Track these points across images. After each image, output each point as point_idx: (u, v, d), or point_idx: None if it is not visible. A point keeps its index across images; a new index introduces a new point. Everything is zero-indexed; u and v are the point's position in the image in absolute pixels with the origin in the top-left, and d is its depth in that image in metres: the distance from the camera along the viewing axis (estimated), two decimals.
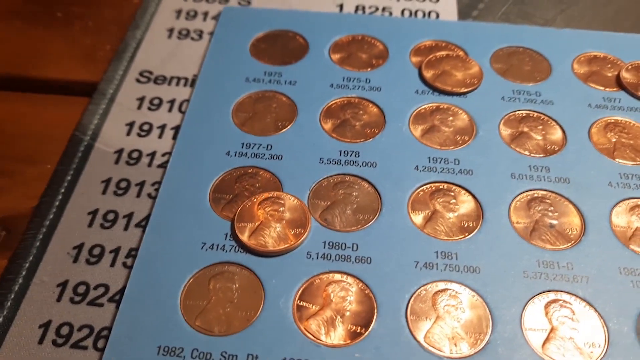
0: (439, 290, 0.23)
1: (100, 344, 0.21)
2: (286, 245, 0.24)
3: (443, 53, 0.32)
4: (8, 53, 0.33)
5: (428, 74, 0.31)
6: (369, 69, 0.32)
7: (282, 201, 0.25)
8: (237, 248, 0.24)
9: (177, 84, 0.31)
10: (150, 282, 0.23)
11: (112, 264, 0.24)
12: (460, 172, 0.27)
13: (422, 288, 0.23)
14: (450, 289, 0.23)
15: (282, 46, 0.33)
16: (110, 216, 0.25)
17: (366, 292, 0.23)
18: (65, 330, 0.22)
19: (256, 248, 0.24)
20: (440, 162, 0.27)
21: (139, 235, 0.24)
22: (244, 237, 0.24)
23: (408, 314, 0.22)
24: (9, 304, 0.22)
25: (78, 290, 0.23)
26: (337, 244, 0.24)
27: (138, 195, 0.26)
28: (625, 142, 0.29)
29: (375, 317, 0.22)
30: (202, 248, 0.24)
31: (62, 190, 0.26)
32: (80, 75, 0.32)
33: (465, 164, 0.27)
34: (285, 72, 0.31)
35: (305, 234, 0.24)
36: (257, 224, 0.24)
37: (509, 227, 0.25)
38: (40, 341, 0.21)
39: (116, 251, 0.24)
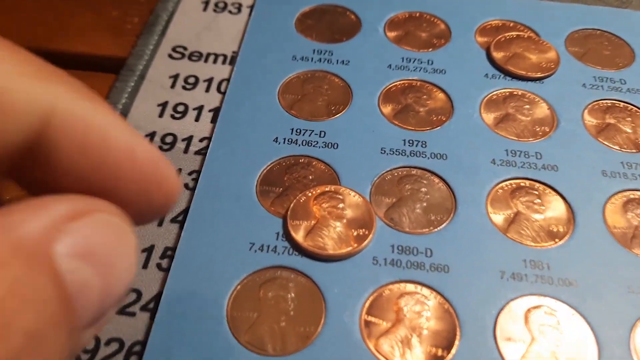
0: (532, 307, 0.19)
1: None
2: (349, 249, 0.20)
3: (513, 34, 0.29)
4: (31, 26, 0.29)
5: (498, 55, 0.27)
6: (430, 49, 0.28)
7: (340, 196, 0.22)
8: (290, 250, 0.20)
9: (215, 61, 0.27)
10: (190, 288, 0.19)
11: (145, 266, 0.20)
12: (543, 167, 0.23)
13: (511, 303, 0.19)
14: (544, 305, 0.20)
15: (330, 22, 0.29)
16: None
17: (445, 306, 0.19)
18: (90, 344, 0.18)
19: (314, 251, 0.20)
20: (519, 156, 0.24)
21: (176, 232, 0.21)
22: (299, 237, 0.20)
23: (497, 334, 0.19)
24: None
25: None
26: (407, 248, 0.21)
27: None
28: None
29: (458, 337, 0.19)
30: (250, 249, 0.20)
31: None
32: (106, 49, 0.28)
33: (549, 158, 0.24)
34: (336, 50, 0.27)
35: (370, 235, 0.21)
36: (313, 222, 0.21)
37: (606, 233, 0.21)
38: None
39: (149, 250, 0.20)
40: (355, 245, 0.20)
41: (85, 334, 0.10)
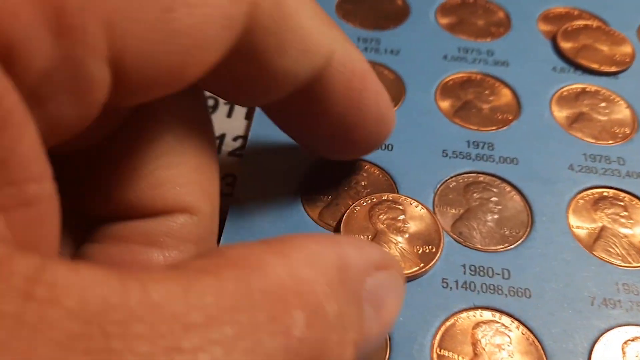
0: (629, 339, 0.17)
1: None
2: (415, 269, 0.17)
3: (580, 23, 0.26)
4: None
5: (566, 46, 0.24)
6: (488, 39, 0.25)
7: (401, 207, 0.19)
8: None
9: None
10: None
11: None
12: (627, 174, 0.20)
13: (607, 334, 0.17)
14: None
15: (373, 7, 0.26)
16: None
17: (530, 339, 0.16)
18: None
19: None
20: (600, 161, 0.21)
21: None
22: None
23: None
24: None
25: None
26: (481, 268, 0.18)
27: None
28: None
29: None
30: None
31: None
32: None
33: (633, 164, 0.21)
34: (384, 38, 0.24)
35: (439, 253, 0.18)
36: (370, 236, 0.18)
37: None
38: None
39: None
40: (422, 264, 0.17)
41: None
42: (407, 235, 0.18)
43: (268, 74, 0.13)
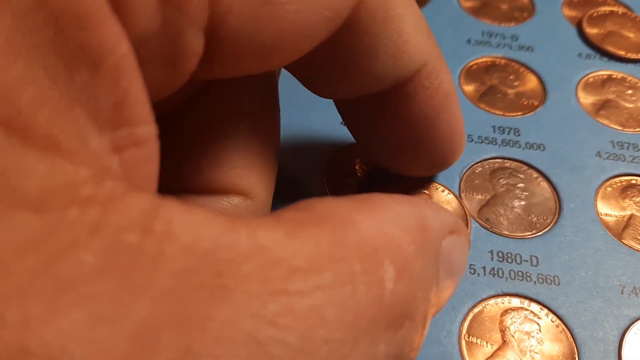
0: None
1: None
2: None
3: (605, 9, 0.25)
4: None
5: (592, 32, 0.24)
6: (512, 23, 0.24)
7: (427, 192, 0.18)
8: None
9: None
10: None
11: None
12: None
13: (637, 323, 0.16)
14: None
15: None
16: None
17: (560, 327, 0.16)
18: None
19: None
20: (627, 148, 0.20)
21: None
22: None
23: (624, 359, 0.16)
24: None
25: None
26: (509, 255, 0.17)
27: None
28: None
29: None
30: None
31: None
32: None
33: None
34: None
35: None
36: None
37: None
38: None
39: None
40: None
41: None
42: None
43: (354, 72, 0.12)
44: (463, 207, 0.18)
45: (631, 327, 0.16)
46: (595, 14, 0.25)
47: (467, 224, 0.18)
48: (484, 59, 0.23)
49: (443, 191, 0.18)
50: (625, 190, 0.19)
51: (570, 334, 0.16)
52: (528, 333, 0.16)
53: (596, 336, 0.16)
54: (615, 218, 0.19)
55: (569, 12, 0.25)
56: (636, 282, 0.17)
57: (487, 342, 0.16)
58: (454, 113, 0.15)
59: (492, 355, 0.16)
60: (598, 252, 0.18)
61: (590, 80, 0.23)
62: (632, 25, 0.25)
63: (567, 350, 0.16)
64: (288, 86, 0.21)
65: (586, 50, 0.24)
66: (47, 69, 0.07)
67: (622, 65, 0.23)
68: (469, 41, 0.23)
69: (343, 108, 0.16)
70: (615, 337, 0.16)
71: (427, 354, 0.15)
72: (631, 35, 0.24)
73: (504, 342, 0.16)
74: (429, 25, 0.24)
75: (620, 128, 0.21)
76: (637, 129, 0.21)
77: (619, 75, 0.23)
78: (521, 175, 0.19)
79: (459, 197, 0.18)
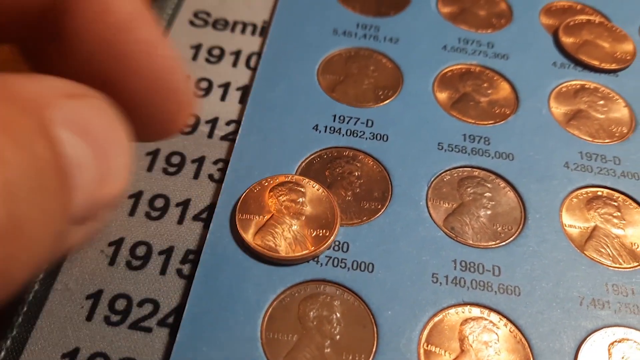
0: (616, 340, 0.17)
1: None
2: (304, 252, 0.17)
3: (582, 18, 0.25)
4: None
5: (568, 41, 0.24)
6: (490, 30, 0.24)
7: (302, 189, 0.18)
8: (336, 261, 0.17)
9: (243, 31, 0.24)
10: (218, 301, 0.16)
11: (163, 272, 0.17)
12: (622, 174, 0.20)
13: (594, 335, 0.17)
14: (631, 339, 0.17)
15: None
16: (159, 202, 0.18)
17: (517, 337, 0.16)
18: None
19: (262, 252, 0.17)
20: (595, 160, 0.21)
21: (200, 233, 0.18)
22: (248, 235, 0.17)
23: None
24: (19, 320, 0.16)
25: (116, 306, 0.16)
26: (472, 264, 0.18)
27: (196, 177, 0.19)
28: None
29: None
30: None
31: None
32: None
33: (629, 164, 0.21)
34: (383, 25, 0.24)
35: (331, 238, 0.17)
36: (266, 217, 0.18)
37: None
38: None
39: (168, 253, 0.17)
40: (313, 248, 0.17)
41: (73, 232, 0.10)
42: (303, 218, 0.18)
43: None
44: (334, 206, 0.18)
45: (587, 339, 0.17)
46: (572, 23, 0.25)
47: (334, 223, 0.17)
48: (459, 66, 0.23)
49: (318, 189, 0.18)
50: (591, 202, 0.20)
51: (528, 344, 0.16)
52: (486, 343, 0.16)
53: (553, 347, 0.16)
54: (579, 229, 0.19)
55: (546, 20, 0.25)
56: (595, 294, 0.17)
57: (445, 351, 0.16)
58: (149, 41, 0.11)
59: None
60: (560, 263, 0.18)
61: (564, 89, 0.23)
62: (608, 34, 0.25)
63: None
64: (263, 89, 0.21)
65: (561, 59, 0.24)
66: None
67: (596, 75, 0.23)
68: (445, 47, 0.23)
69: (28, 55, 0.13)
70: (572, 348, 0.16)
71: None
72: (606, 45, 0.24)
73: (462, 351, 0.16)
74: (406, 30, 0.24)
75: (590, 139, 0.21)
76: (606, 140, 0.21)
77: (592, 86, 0.23)
78: (489, 185, 0.20)
79: (331, 195, 0.18)
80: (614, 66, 0.23)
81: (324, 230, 0.18)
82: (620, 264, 0.18)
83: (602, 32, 0.25)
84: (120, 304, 0.16)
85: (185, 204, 0.18)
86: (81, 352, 0.15)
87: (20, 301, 0.16)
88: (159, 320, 0.16)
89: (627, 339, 0.17)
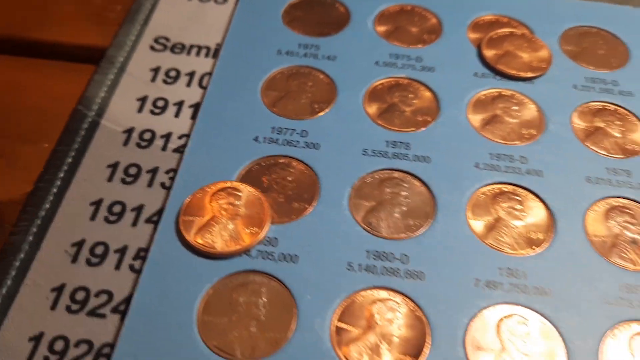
0: (504, 316, 0.19)
1: None
2: (237, 247, 0.20)
3: (506, 30, 0.28)
4: (9, 12, 0.28)
5: (489, 53, 0.27)
6: (420, 45, 0.27)
7: (240, 193, 0.21)
8: (265, 254, 0.20)
9: (198, 53, 0.27)
10: (162, 291, 0.19)
11: (117, 267, 0.20)
12: (527, 172, 0.23)
13: (484, 311, 0.19)
14: (516, 314, 0.19)
15: (319, 15, 0.28)
16: (117, 208, 0.21)
17: (417, 314, 0.19)
18: (59, 345, 0.18)
19: (201, 248, 0.20)
20: (504, 160, 0.23)
21: (150, 233, 0.21)
22: (190, 235, 0.20)
23: (467, 343, 0.19)
24: None
25: (76, 296, 0.19)
26: (383, 254, 0.20)
27: (150, 185, 0.22)
28: None
29: (428, 345, 0.18)
30: None
31: (61, 175, 0.22)
32: (87, 39, 0.27)
33: (534, 163, 0.23)
34: (323, 44, 0.27)
35: (262, 234, 0.20)
36: (207, 218, 0.21)
37: (585, 242, 0.21)
38: (30, 357, 0.18)
39: (122, 251, 0.20)
40: (245, 244, 0.20)
41: None
42: (239, 218, 0.21)
43: None
44: (265, 207, 0.21)
45: (478, 314, 0.19)
46: (495, 36, 0.27)
47: (265, 221, 0.20)
48: (389, 80, 0.26)
49: (253, 192, 0.21)
50: (496, 197, 0.22)
51: (427, 321, 0.19)
52: (390, 320, 0.19)
53: (448, 323, 0.19)
54: (484, 222, 0.22)
55: (473, 35, 0.28)
56: (490, 277, 0.20)
57: (354, 327, 0.19)
58: None
59: (357, 338, 0.19)
60: (462, 251, 0.21)
61: (482, 97, 0.25)
62: (528, 45, 0.27)
63: (421, 335, 0.19)
64: (212, 105, 0.24)
65: (482, 70, 0.26)
66: None
67: (514, 83, 0.26)
68: (377, 63, 0.26)
69: None
70: (464, 324, 0.19)
71: (301, 340, 0.18)
72: (525, 55, 0.27)
73: (369, 327, 0.19)
74: (344, 48, 0.27)
75: (501, 141, 0.24)
76: (516, 142, 0.24)
77: (509, 93, 0.26)
78: (406, 185, 0.22)
79: (263, 197, 0.21)
80: (529, 74, 0.26)
81: (256, 228, 0.20)
82: (517, 250, 0.21)
83: (522, 44, 0.27)
84: (80, 295, 0.19)
85: (139, 209, 0.21)
86: (45, 335, 0.18)
87: None
88: (112, 307, 0.19)
89: (514, 314, 0.19)
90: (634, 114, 0.25)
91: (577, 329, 0.19)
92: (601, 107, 0.25)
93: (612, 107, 0.26)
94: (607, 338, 0.19)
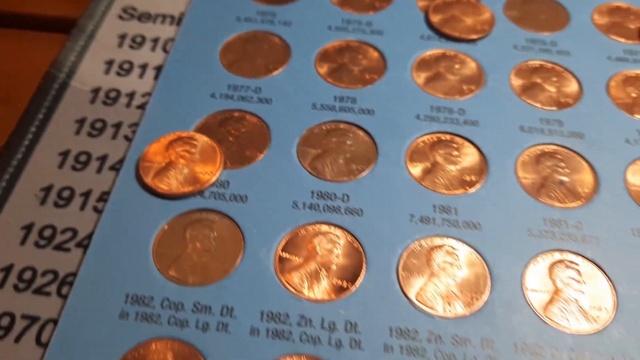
0: (435, 246, 0.21)
1: (64, 290, 0.20)
2: (191, 189, 0.22)
3: None
4: None
5: (435, 18, 0.28)
6: (371, 12, 0.29)
7: (196, 142, 0.23)
8: (218, 194, 0.22)
9: (163, 21, 0.28)
10: (121, 227, 0.21)
11: (82, 208, 0.22)
12: (465, 122, 0.25)
13: (417, 243, 0.21)
14: (447, 245, 0.21)
15: None
16: (83, 158, 0.23)
17: (355, 245, 0.21)
18: (27, 274, 0.20)
19: (158, 189, 0.22)
20: (443, 112, 0.25)
21: (112, 179, 0.23)
22: (148, 178, 0.22)
23: (400, 270, 0.20)
24: None
25: (44, 233, 0.21)
26: (326, 194, 0.22)
27: (114, 137, 0.24)
28: None
29: (363, 271, 0.20)
30: None
31: (33, 130, 0.24)
32: (60, 10, 0.29)
33: (471, 114, 0.25)
34: (279, 12, 0.29)
35: (215, 177, 0.22)
36: (164, 164, 0.23)
37: (515, 183, 0.23)
38: (1, 285, 0.20)
39: (87, 194, 0.22)
40: (198, 186, 0.22)
41: None
42: (194, 163, 0.22)
43: None
44: (217, 154, 0.23)
45: (411, 245, 0.21)
46: (441, 3, 0.29)
47: (218, 166, 0.22)
48: (340, 42, 0.28)
49: (207, 141, 0.23)
50: (434, 145, 0.24)
51: (363, 251, 0.21)
52: (329, 250, 0.21)
53: (382, 253, 0.21)
54: (422, 166, 0.23)
55: (421, 3, 0.30)
56: (424, 213, 0.22)
57: (296, 257, 0.21)
58: None
59: (298, 266, 0.20)
60: (400, 192, 0.22)
61: (427, 58, 0.27)
62: (472, 11, 0.29)
63: (357, 263, 0.21)
64: (173, 67, 0.26)
65: (428, 32, 0.28)
66: None
67: (457, 44, 0.28)
68: (329, 27, 0.28)
69: None
70: (398, 253, 0.21)
71: (247, 268, 0.20)
72: (469, 20, 0.29)
73: (310, 256, 0.21)
74: (299, 17, 0.28)
75: (443, 96, 0.26)
76: (455, 96, 0.26)
77: (452, 53, 0.27)
78: (350, 134, 0.24)
79: (216, 145, 0.23)
80: (472, 36, 0.28)
81: (210, 172, 0.22)
82: (450, 190, 0.23)
83: (468, 9, 0.29)
84: (47, 232, 0.21)
85: (103, 158, 0.23)
86: (15, 266, 0.20)
87: None
88: (76, 242, 0.21)
89: (444, 245, 0.21)
90: (569, 71, 0.27)
91: (502, 258, 0.21)
92: (539, 66, 0.27)
93: (549, 65, 0.27)
94: (530, 265, 0.21)
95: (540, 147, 0.24)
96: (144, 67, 0.26)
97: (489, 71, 0.27)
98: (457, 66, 0.27)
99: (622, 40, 0.29)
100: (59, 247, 0.21)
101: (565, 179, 0.23)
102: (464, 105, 0.25)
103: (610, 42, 0.28)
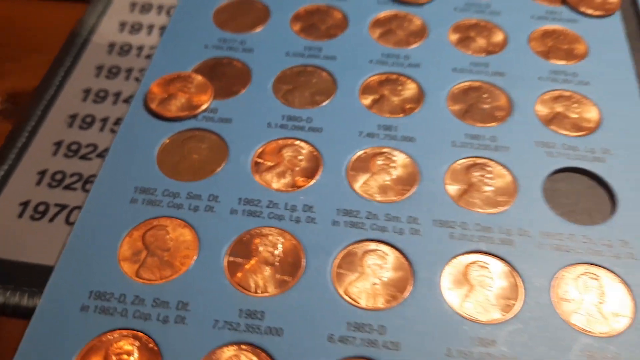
0: (376, 153, 0.27)
1: (87, 187, 0.26)
2: (187, 113, 0.28)
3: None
4: None
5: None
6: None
7: (191, 79, 0.29)
8: (208, 118, 0.28)
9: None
10: (131, 142, 0.27)
11: (102, 129, 0.28)
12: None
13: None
14: (386, 152, 0.27)
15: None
16: (102, 93, 0.29)
17: (314, 153, 0.27)
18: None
19: (160, 112, 0.28)
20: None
21: (125, 109, 0.29)
22: (153, 104, 0.28)
23: (349, 170, 0.26)
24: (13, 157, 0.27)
25: (72, 147, 0.27)
26: (293, 117, 0.28)
27: (127, 79, 0.30)
28: (560, 47, 0.32)
29: (320, 170, 0.26)
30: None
31: (62, 73, 0.30)
32: None
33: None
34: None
35: (206, 104, 0.28)
36: (166, 95, 0.29)
37: (446, 110, 0.29)
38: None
39: (105, 120, 0.28)
40: (193, 111, 0.28)
41: None
42: (191, 95, 0.29)
43: None
44: (209, 86, 0.29)
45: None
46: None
47: (209, 97, 0.28)
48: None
49: (199, 78, 0.29)
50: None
51: (320, 156, 0.27)
52: (295, 157, 0.27)
53: (337, 160, 0.27)
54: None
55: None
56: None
57: (269, 162, 0.26)
58: None
59: (270, 167, 0.26)
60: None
61: (381, 18, 0.33)
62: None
63: (315, 166, 0.26)
64: (176, 27, 0.32)
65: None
66: None
67: (406, 7, 0.34)
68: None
69: None
70: (348, 159, 0.27)
71: (228, 169, 0.26)
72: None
73: (279, 162, 0.26)
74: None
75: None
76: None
77: (402, 14, 0.33)
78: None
79: (208, 80, 0.29)
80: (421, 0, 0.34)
81: (202, 100, 0.28)
82: (394, 114, 0.28)
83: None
84: (74, 147, 0.27)
85: (118, 94, 0.29)
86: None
87: (13, 148, 0.27)
88: (97, 154, 0.27)
89: (385, 152, 0.27)
90: (499, 27, 0.33)
91: (429, 164, 0.26)
92: (474, 23, 0.33)
93: (483, 23, 0.33)
94: (453, 165, 0.26)
95: (468, 83, 0.30)
96: (151, 27, 0.33)
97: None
98: (405, 24, 0.33)
99: (546, 3, 0.34)
100: (84, 157, 0.27)
101: (486, 106, 0.29)
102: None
103: (535, 5, 0.34)
